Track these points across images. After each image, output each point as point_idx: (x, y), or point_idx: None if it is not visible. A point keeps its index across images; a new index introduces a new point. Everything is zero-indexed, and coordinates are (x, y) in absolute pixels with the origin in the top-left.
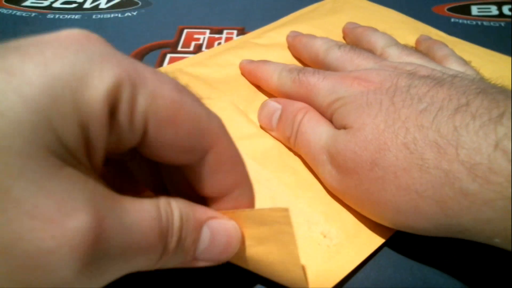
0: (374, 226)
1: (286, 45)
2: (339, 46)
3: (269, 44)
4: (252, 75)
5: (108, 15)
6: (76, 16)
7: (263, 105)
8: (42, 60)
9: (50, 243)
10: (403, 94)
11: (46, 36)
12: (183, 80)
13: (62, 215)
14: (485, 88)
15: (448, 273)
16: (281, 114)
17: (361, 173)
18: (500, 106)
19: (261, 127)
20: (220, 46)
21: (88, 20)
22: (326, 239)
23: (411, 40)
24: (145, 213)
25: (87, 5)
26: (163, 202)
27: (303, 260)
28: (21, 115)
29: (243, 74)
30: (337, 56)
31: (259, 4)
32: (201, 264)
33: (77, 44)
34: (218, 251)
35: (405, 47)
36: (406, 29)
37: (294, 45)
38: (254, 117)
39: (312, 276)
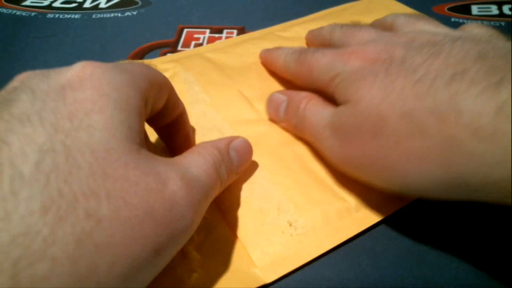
0: (343, 221)
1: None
2: (342, 25)
3: (292, 37)
4: (267, 62)
5: (108, 15)
6: (76, 16)
7: (269, 99)
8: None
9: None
10: (398, 66)
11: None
12: (198, 63)
13: (162, 185)
14: (486, 52)
15: (448, 273)
16: (287, 105)
17: (363, 143)
18: (499, 72)
19: (271, 120)
20: (243, 35)
21: (88, 19)
22: (291, 228)
23: None
24: (199, 161)
25: (87, 4)
26: (201, 148)
27: (264, 245)
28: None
29: (262, 63)
30: (340, 34)
31: (259, 4)
32: (236, 177)
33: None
34: (244, 160)
35: (413, 15)
36: None
37: (309, 39)
38: (258, 104)
39: (266, 262)
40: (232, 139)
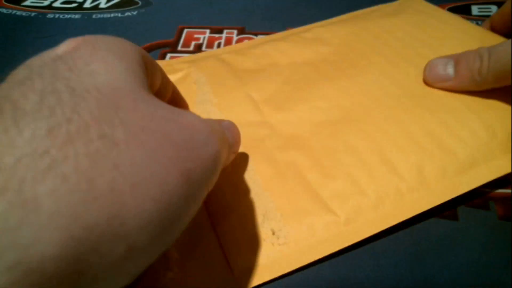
0: (328, 234)
1: (331, 41)
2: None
3: (314, 38)
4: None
5: (108, 15)
6: (76, 16)
7: (429, 64)
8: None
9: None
10: None
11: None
12: (212, 64)
13: (178, 115)
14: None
15: (448, 273)
16: (458, 60)
17: None
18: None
19: (429, 85)
20: (264, 37)
21: (88, 19)
22: (274, 237)
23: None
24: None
25: (87, 4)
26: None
27: (243, 251)
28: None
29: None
30: None
31: (259, 4)
32: (233, 156)
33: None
34: (237, 140)
35: None
36: (463, 39)
37: None
38: (263, 106)
39: (243, 269)
40: (220, 121)
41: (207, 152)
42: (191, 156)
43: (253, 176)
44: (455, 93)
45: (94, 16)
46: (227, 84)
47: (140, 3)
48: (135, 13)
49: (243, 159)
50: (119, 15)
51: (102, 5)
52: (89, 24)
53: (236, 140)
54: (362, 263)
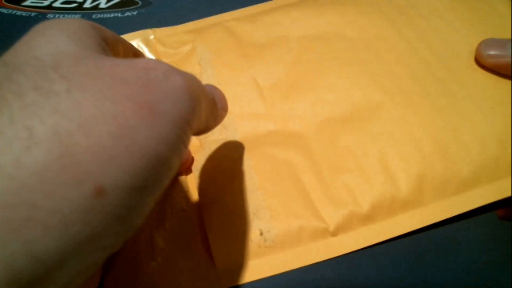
0: (315, 244)
1: (349, 9)
2: None
3: (331, 2)
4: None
5: (108, 15)
6: (76, 16)
7: (486, 41)
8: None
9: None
10: None
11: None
12: (219, 37)
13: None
14: None
15: (448, 273)
16: None
17: None
18: None
19: (481, 60)
20: (274, 1)
21: (88, 19)
22: (261, 238)
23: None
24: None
25: (87, 4)
26: None
27: (229, 249)
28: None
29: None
30: None
31: (259, 3)
32: (224, 115)
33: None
34: (220, 97)
35: None
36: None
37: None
38: (268, 94)
39: (227, 267)
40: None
41: (168, 86)
42: (150, 90)
43: (249, 172)
44: (474, 96)
45: (94, 16)
46: (233, 65)
47: (140, 3)
48: (135, 13)
49: (242, 153)
50: (119, 15)
51: (102, 5)
52: None
53: (220, 97)
54: (362, 263)
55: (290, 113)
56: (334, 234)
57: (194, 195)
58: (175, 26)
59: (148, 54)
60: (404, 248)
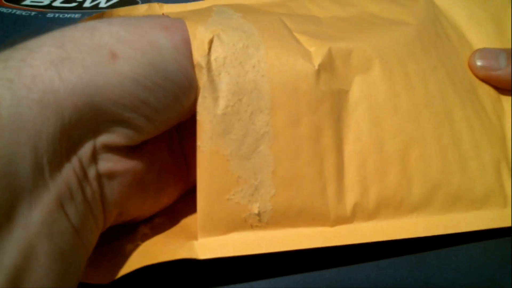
0: (311, 230)
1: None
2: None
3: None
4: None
5: None
6: (76, 15)
7: (479, 51)
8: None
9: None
10: None
11: None
12: (236, 2)
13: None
14: None
15: (448, 273)
16: (508, 55)
17: None
18: None
19: (474, 72)
20: None
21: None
22: (256, 218)
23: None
24: None
25: (87, 4)
26: None
27: (217, 223)
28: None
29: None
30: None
31: None
32: None
33: None
34: None
35: None
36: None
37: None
38: (298, 35)
39: (210, 239)
40: None
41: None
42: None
43: (267, 132)
44: (499, 114)
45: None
46: (255, 12)
47: (140, 2)
48: None
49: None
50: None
51: (102, 5)
52: None
53: None
54: (362, 263)
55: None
56: (333, 224)
57: (191, 191)
58: (184, 4)
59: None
60: (404, 248)
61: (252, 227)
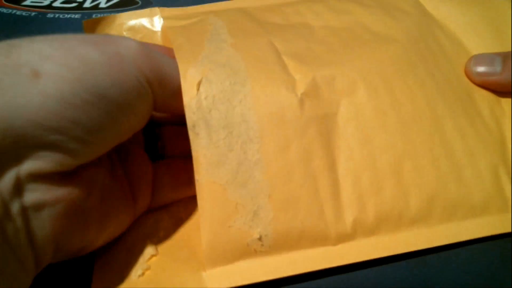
0: (314, 251)
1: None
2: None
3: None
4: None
5: (108, 14)
6: (76, 16)
7: (476, 56)
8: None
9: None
10: None
11: None
12: (232, 13)
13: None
14: None
15: (448, 273)
16: (505, 60)
17: None
18: None
19: (470, 78)
20: None
21: (87, 19)
22: (259, 243)
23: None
24: None
25: (87, 4)
26: None
27: (222, 250)
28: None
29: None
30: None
31: None
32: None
33: None
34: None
35: None
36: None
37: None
38: (287, 59)
39: (217, 268)
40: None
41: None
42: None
43: (259, 160)
44: (498, 118)
45: (94, 16)
46: (248, 30)
47: (140, 2)
48: None
49: (253, 130)
50: None
51: (102, 5)
52: None
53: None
54: (362, 263)
55: (316, 82)
56: (335, 243)
57: (193, 203)
58: (185, 8)
59: (154, 33)
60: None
61: (256, 252)
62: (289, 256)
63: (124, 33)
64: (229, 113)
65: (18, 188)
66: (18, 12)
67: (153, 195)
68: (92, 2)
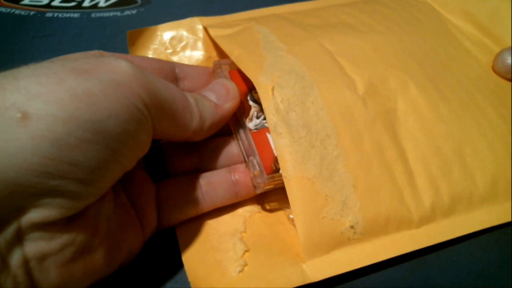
0: (400, 235)
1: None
2: None
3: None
4: None
5: (107, 14)
6: (75, 15)
7: (501, 54)
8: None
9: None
10: None
11: None
12: (274, 20)
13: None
14: None
15: (448, 273)
16: None
17: None
18: None
19: (498, 74)
20: (318, 1)
21: (87, 18)
22: (351, 230)
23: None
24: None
25: (86, 3)
26: None
27: (318, 240)
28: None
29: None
30: None
31: (259, 2)
32: (231, 104)
33: None
34: (223, 98)
35: None
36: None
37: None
38: (340, 59)
39: (316, 259)
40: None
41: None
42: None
43: (340, 154)
44: None
45: (93, 15)
46: (295, 35)
47: (139, 2)
48: (134, 12)
49: (330, 131)
50: (119, 14)
51: (101, 4)
52: (88, 23)
53: (220, 91)
54: (364, 268)
55: (371, 84)
56: (418, 225)
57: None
58: (221, 16)
59: (195, 41)
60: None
61: (349, 240)
62: (379, 241)
63: (167, 44)
64: (304, 114)
65: (19, 240)
66: (17, 11)
67: (159, 218)
68: (91, 1)
